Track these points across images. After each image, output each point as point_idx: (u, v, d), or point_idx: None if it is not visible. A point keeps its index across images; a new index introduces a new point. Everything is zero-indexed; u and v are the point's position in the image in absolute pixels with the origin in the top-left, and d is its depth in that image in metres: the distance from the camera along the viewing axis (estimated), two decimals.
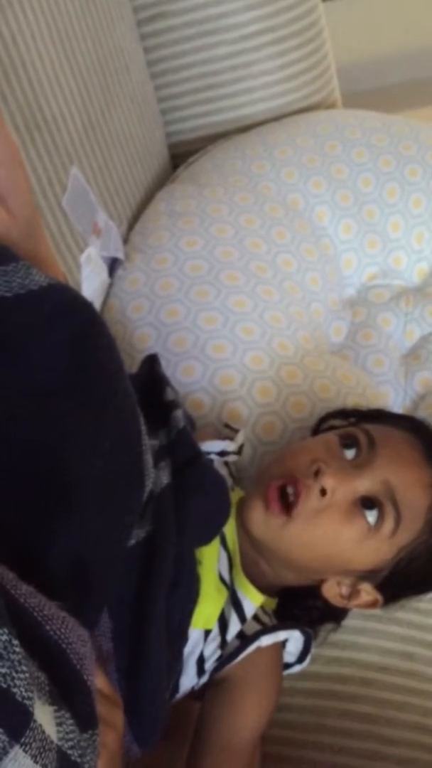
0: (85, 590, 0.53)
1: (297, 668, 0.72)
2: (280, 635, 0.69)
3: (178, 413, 0.73)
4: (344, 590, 0.72)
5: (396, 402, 0.97)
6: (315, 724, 0.76)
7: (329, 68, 1.27)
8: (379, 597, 0.73)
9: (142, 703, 0.60)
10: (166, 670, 0.62)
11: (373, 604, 0.74)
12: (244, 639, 0.67)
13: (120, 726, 0.55)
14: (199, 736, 0.67)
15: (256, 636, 0.67)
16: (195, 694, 0.69)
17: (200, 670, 0.67)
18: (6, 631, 0.38)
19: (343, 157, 1.10)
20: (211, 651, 0.67)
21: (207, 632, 0.66)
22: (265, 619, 0.70)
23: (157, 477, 0.65)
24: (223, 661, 0.67)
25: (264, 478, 0.72)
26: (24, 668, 0.38)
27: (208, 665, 0.67)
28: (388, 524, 0.68)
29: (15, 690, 0.38)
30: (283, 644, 0.71)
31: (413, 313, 1.05)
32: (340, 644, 0.80)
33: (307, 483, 0.68)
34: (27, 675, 0.38)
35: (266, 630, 0.68)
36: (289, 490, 0.69)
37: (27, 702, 0.38)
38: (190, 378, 0.87)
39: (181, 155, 1.24)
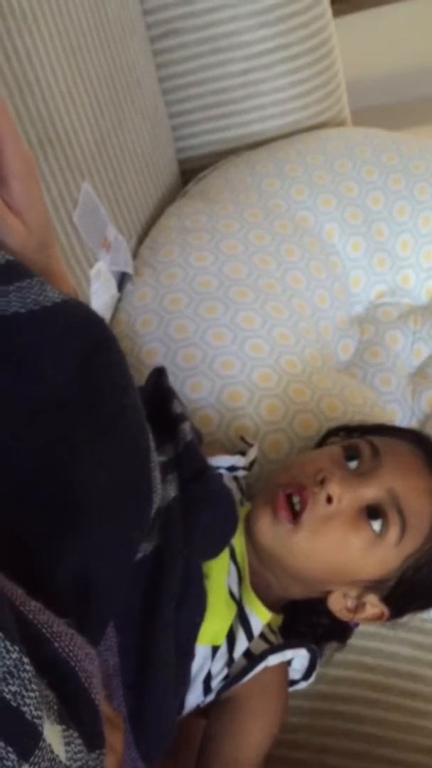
0: (90, 607, 0.53)
1: (302, 685, 0.72)
2: (287, 654, 0.69)
3: (186, 426, 0.73)
4: (350, 603, 0.72)
5: (403, 421, 0.97)
6: (318, 744, 0.76)
7: (340, 86, 1.27)
8: (385, 610, 0.73)
9: (149, 719, 0.59)
10: (173, 685, 0.62)
11: (379, 618, 0.74)
12: (251, 658, 0.67)
13: (119, 749, 0.54)
14: (203, 754, 0.67)
15: (264, 656, 0.67)
16: (200, 712, 0.69)
17: (207, 688, 0.67)
18: (17, 649, 0.38)
19: (353, 175, 1.10)
20: (219, 669, 0.66)
21: (215, 649, 0.66)
22: (272, 637, 0.70)
23: (164, 490, 0.65)
24: (230, 681, 0.66)
25: (270, 488, 0.72)
26: (34, 687, 0.38)
27: (215, 683, 0.67)
28: (394, 532, 0.69)
29: (25, 709, 0.37)
30: (288, 662, 0.70)
31: (421, 331, 1.05)
32: (344, 664, 0.80)
33: (314, 491, 0.68)
34: (37, 694, 0.38)
35: (273, 649, 0.68)
36: (295, 499, 0.69)
37: (37, 721, 0.38)
38: (197, 394, 0.87)
39: (190, 171, 1.24)
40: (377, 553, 0.69)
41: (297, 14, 1.15)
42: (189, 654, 0.65)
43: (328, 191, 1.09)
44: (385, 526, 0.68)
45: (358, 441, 0.74)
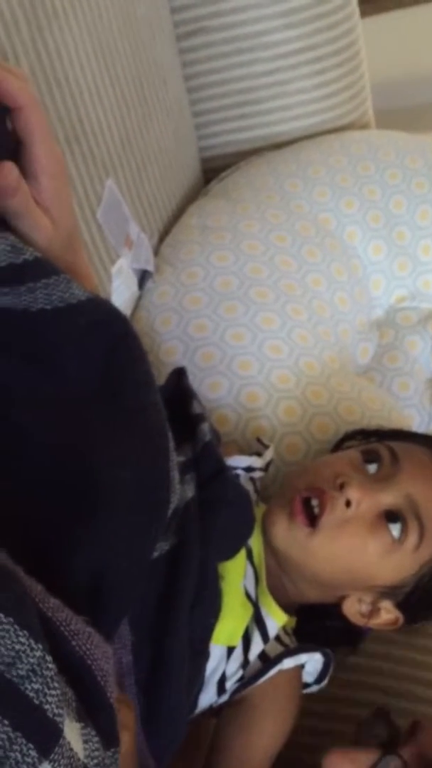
0: (104, 603, 0.53)
1: (314, 688, 0.72)
2: (302, 658, 0.69)
3: (205, 427, 0.73)
4: (364, 608, 0.72)
5: (420, 426, 0.97)
6: (329, 747, 0.76)
7: (365, 88, 1.27)
8: (400, 616, 0.73)
9: (161, 718, 0.60)
10: (186, 685, 0.62)
11: (393, 623, 0.73)
12: (266, 661, 0.67)
13: (132, 726, 0.55)
14: (213, 753, 0.67)
15: (279, 659, 0.67)
16: (211, 711, 0.69)
17: (221, 689, 0.67)
18: (40, 647, 0.39)
19: (376, 178, 1.10)
20: (233, 670, 0.67)
21: (230, 650, 0.66)
22: (286, 639, 0.70)
23: (182, 490, 0.66)
24: (244, 683, 0.67)
25: (287, 491, 0.72)
26: (56, 685, 0.39)
27: (229, 684, 0.67)
28: (412, 538, 0.69)
29: (47, 707, 0.38)
30: (302, 665, 0.70)
31: None
32: (356, 668, 0.80)
33: (333, 495, 0.68)
34: (59, 692, 0.39)
35: (289, 652, 0.68)
36: (314, 502, 0.69)
37: (58, 719, 0.38)
38: (215, 394, 0.88)
39: (212, 170, 1.24)
40: (394, 559, 0.69)
41: (325, 16, 1.15)
42: (203, 654, 0.65)
43: (350, 194, 1.09)
44: (403, 531, 0.68)
45: (377, 446, 0.74)
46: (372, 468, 0.71)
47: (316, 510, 0.69)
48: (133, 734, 0.54)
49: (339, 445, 0.83)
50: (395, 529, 0.68)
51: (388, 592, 0.71)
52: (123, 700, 0.53)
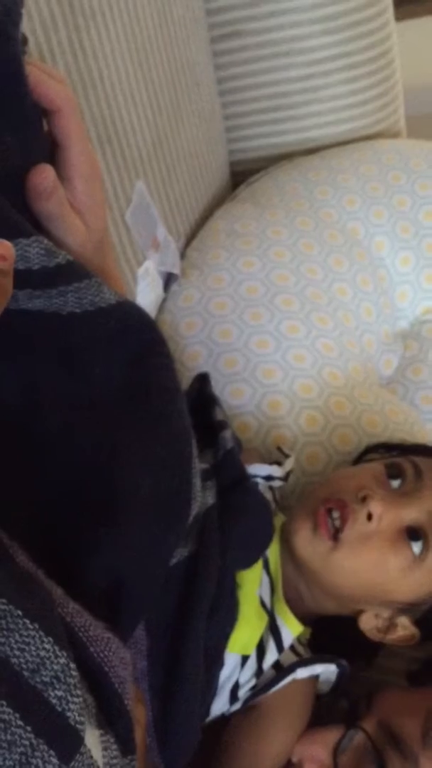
0: (120, 606, 0.53)
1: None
2: (317, 668, 0.68)
3: (227, 434, 0.73)
4: (381, 623, 0.72)
5: None
6: None
7: (398, 96, 1.26)
8: (417, 632, 0.72)
9: (174, 725, 0.60)
10: (200, 693, 0.62)
11: (409, 640, 0.73)
12: (280, 670, 0.67)
13: (143, 721, 0.55)
14: (221, 759, 0.67)
15: (292, 668, 0.67)
16: (223, 719, 0.69)
17: (233, 697, 0.67)
18: (65, 654, 0.39)
19: (406, 188, 1.09)
20: (247, 678, 0.66)
21: (244, 658, 0.66)
22: (301, 649, 0.70)
23: (202, 497, 0.65)
24: (257, 691, 0.66)
25: (311, 500, 0.72)
26: (78, 692, 0.39)
27: (242, 693, 0.67)
28: None
29: (69, 714, 0.38)
30: (316, 676, 0.70)
31: None
32: (367, 683, 0.79)
33: (354, 508, 0.68)
34: (81, 699, 0.39)
35: (303, 662, 0.68)
36: (335, 514, 0.69)
37: (79, 726, 0.38)
38: (238, 400, 0.87)
39: (241, 173, 1.24)
40: (414, 576, 0.68)
41: (361, 23, 1.15)
42: (217, 662, 0.65)
43: (380, 203, 1.08)
44: (424, 549, 0.68)
45: (401, 460, 0.74)
46: (395, 483, 0.71)
47: (337, 522, 0.68)
48: (144, 729, 0.54)
49: (360, 457, 0.83)
50: (416, 546, 0.68)
51: (406, 608, 0.71)
52: (135, 695, 0.53)
